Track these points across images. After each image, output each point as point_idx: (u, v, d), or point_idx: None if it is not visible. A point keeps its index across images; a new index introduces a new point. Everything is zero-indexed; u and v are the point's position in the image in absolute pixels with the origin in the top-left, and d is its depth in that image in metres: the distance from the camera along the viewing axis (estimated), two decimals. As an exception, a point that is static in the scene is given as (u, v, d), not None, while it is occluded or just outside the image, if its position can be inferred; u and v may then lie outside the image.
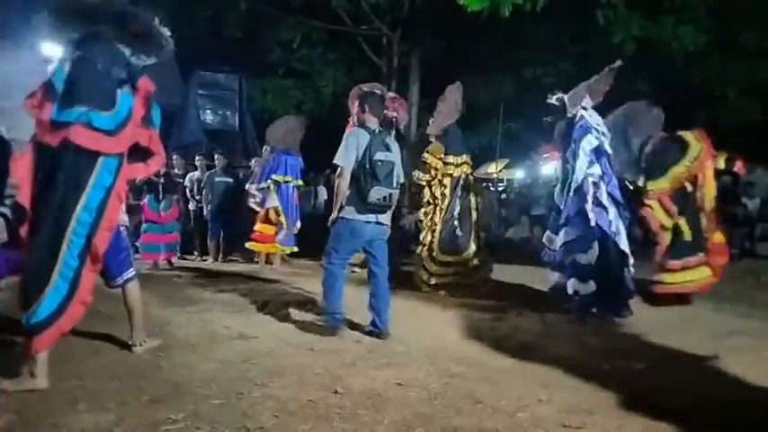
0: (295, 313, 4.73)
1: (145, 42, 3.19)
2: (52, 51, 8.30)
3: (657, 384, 3.13)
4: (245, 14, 11.96)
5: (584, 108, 5.03)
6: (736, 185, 10.14)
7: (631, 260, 4.84)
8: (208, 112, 13.23)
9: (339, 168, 4.11)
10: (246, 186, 7.97)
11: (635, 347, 3.91)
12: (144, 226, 7.61)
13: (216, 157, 9.09)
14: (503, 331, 4.32)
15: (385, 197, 4.05)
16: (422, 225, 6.41)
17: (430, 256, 6.16)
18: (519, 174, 17.11)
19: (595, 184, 4.79)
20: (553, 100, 5.29)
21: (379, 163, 4.03)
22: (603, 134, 4.99)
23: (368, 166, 4.01)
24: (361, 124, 4.22)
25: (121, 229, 3.45)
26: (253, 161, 8.92)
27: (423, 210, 6.39)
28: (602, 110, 5.30)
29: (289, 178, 7.55)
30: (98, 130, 2.92)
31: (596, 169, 4.81)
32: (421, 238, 6.29)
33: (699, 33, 9.85)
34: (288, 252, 7.86)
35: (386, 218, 4.19)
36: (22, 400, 2.65)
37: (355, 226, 4.08)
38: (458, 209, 6.22)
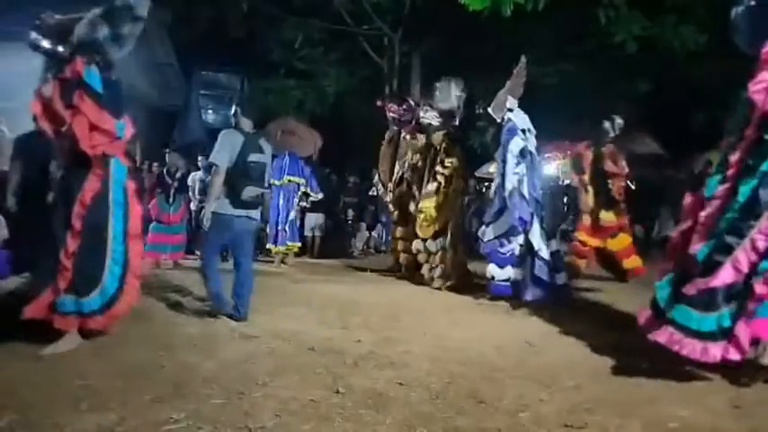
0: (296, 313, 4.74)
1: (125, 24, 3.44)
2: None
3: (659, 383, 3.13)
4: (247, 14, 11.97)
5: (510, 110, 5.56)
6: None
7: (544, 249, 5.27)
8: (209, 111, 13.26)
9: (214, 167, 4.39)
10: None
11: (636, 346, 3.89)
12: (151, 225, 7.64)
13: None
14: (504, 331, 4.33)
15: (257, 195, 4.45)
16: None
17: (452, 258, 6.27)
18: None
19: (519, 181, 5.34)
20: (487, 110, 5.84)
21: (253, 164, 4.38)
22: (529, 130, 5.55)
23: (242, 167, 4.33)
24: (236, 126, 4.51)
25: None
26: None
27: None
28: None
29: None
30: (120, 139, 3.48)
31: (522, 168, 5.35)
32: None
33: (700, 33, 9.82)
34: (284, 251, 8.15)
35: (256, 213, 4.60)
36: (24, 400, 2.66)
37: (226, 219, 4.39)
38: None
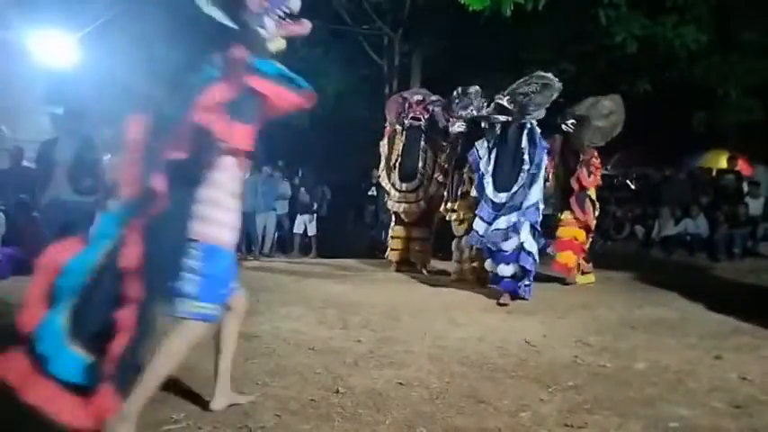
0: (296, 313, 4.73)
1: None
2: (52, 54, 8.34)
3: (658, 384, 3.13)
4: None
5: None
6: (740, 184, 10.15)
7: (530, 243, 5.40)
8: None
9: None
10: None
11: (636, 347, 3.90)
12: None
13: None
14: (504, 331, 4.32)
15: (90, 186, 5.74)
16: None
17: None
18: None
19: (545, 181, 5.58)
20: (504, 102, 5.56)
21: (89, 161, 5.73)
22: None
23: (79, 165, 5.72)
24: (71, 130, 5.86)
25: None
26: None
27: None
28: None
29: None
30: None
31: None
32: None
33: (700, 32, 9.83)
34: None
35: (90, 198, 5.77)
36: (22, 399, 2.65)
37: (62, 202, 5.74)
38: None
